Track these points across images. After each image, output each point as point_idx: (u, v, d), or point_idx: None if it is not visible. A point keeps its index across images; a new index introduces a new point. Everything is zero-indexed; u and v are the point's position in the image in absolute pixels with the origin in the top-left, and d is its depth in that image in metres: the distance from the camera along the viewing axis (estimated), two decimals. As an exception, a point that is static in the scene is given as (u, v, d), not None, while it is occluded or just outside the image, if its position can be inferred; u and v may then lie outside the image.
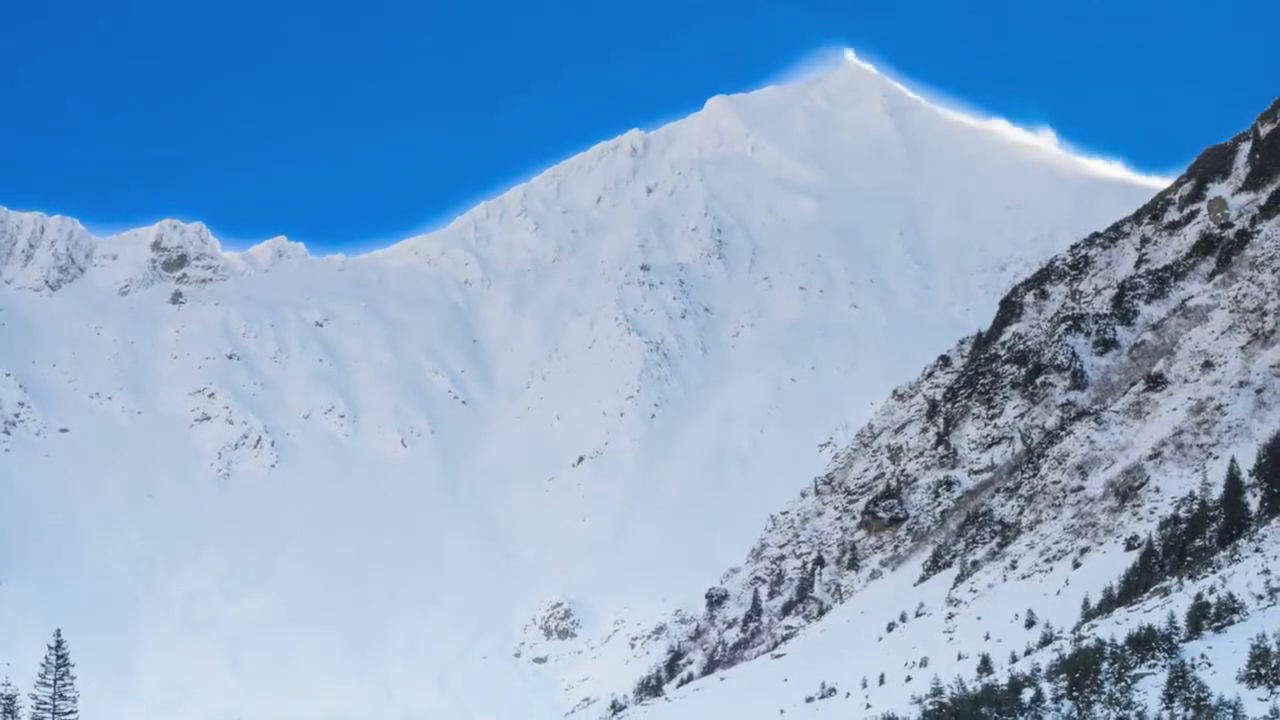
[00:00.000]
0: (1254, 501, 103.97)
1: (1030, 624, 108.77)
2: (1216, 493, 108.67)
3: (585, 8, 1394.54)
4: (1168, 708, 62.79)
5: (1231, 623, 73.84)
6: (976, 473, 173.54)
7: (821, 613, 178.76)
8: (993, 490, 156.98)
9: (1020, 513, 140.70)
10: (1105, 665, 71.41)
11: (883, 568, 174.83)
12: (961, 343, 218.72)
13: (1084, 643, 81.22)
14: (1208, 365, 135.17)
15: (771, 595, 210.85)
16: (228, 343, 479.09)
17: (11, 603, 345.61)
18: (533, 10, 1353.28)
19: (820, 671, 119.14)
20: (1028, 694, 72.42)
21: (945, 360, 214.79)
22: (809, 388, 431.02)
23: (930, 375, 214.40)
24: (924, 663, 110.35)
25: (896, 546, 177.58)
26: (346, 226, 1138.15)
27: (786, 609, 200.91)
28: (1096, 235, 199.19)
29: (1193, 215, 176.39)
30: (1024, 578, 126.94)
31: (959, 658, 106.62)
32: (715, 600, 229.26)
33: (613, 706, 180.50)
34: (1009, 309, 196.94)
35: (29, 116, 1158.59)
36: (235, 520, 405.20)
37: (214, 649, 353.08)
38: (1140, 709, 64.05)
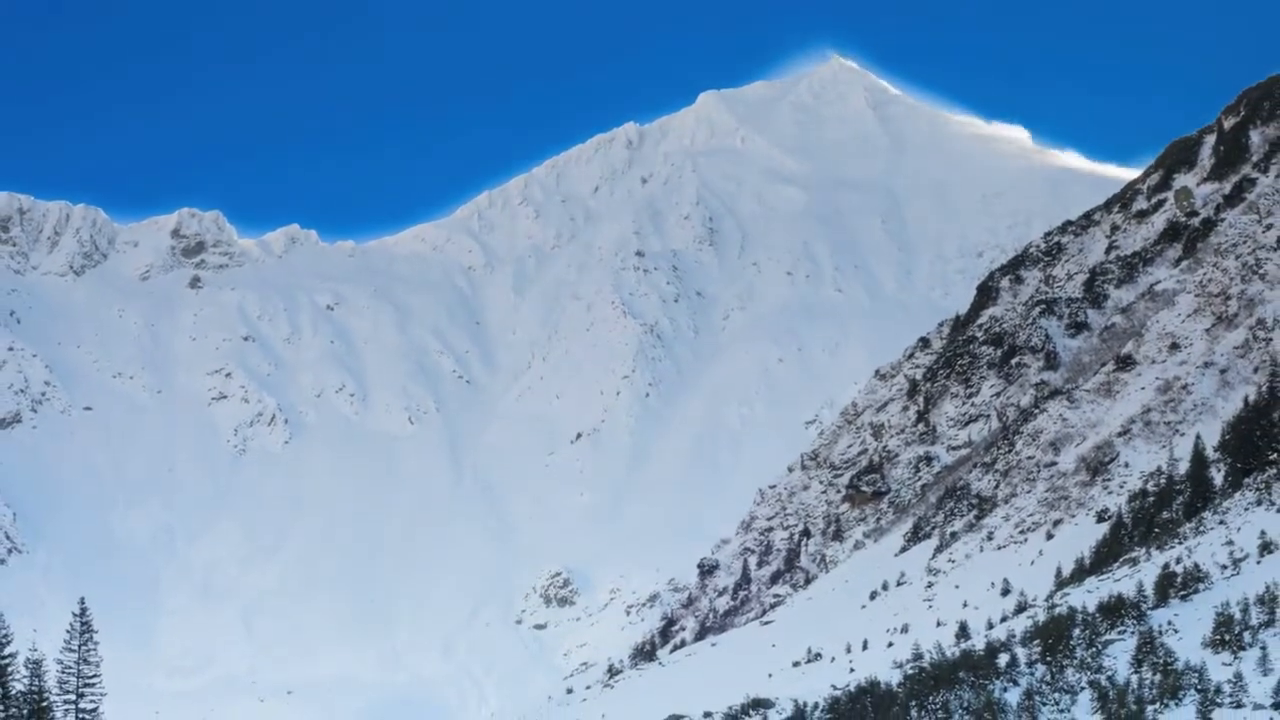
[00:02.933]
0: (1218, 476, 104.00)
1: (1006, 592, 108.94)
2: (1183, 468, 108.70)
3: (584, 8, 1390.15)
4: (1136, 671, 62.86)
5: (1197, 591, 73.93)
6: (955, 449, 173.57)
7: (808, 582, 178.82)
8: (970, 465, 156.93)
9: (996, 487, 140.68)
10: (1077, 631, 71.51)
11: (866, 539, 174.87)
12: (941, 325, 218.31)
13: (1057, 610, 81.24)
14: (1174, 347, 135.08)
15: (760, 565, 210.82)
16: (243, 325, 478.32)
17: (39, 572, 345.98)
18: (533, 11, 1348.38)
19: (806, 637, 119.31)
20: (1003, 659, 72.46)
21: (925, 342, 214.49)
22: (795, 368, 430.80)
23: (911, 356, 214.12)
24: (905, 629, 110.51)
25: (879, 519, 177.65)
26: (357, 215, 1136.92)
27: (774, 578, 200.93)
28: (1069, 223, 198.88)
29: (1160, 204, 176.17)
30: (1000, 548, 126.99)
31: (938, 624, 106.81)
32: (707, 570, 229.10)
33: (609, 671, 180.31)
34: (985, 293, 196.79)
35: (54, 110, 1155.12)
36: (251, 494, 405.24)
37: (230, 616, 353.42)
38: (1110, 673, 64.12)
